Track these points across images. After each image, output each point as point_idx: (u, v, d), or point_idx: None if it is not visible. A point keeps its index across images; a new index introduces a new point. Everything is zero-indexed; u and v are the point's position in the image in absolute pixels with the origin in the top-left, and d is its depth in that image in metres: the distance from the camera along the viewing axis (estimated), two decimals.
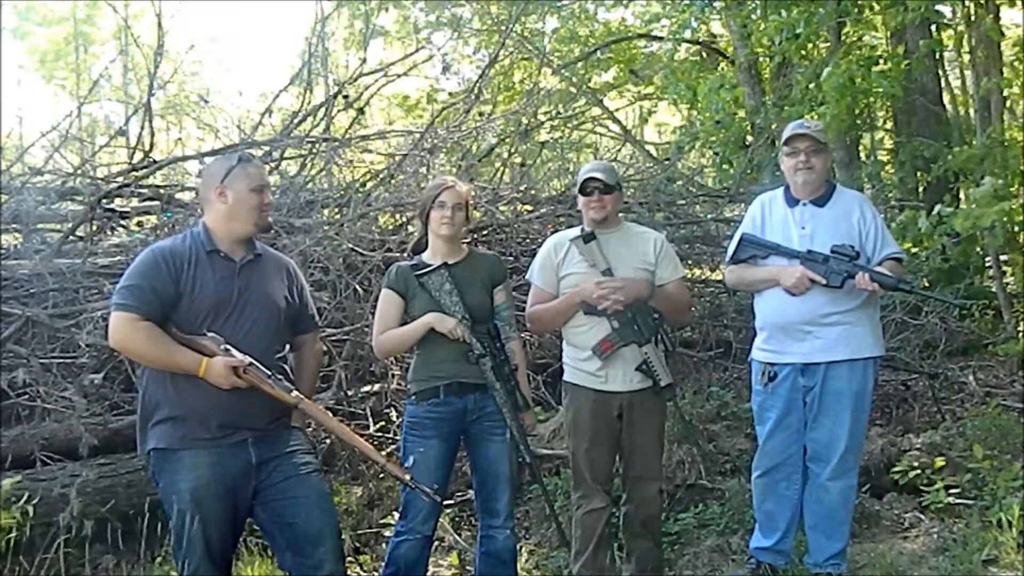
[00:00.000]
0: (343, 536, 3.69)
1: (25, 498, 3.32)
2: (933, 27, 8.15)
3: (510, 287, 3.22)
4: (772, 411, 3.27)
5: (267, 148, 5.80)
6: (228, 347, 2.48)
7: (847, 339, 3.14)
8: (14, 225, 4.91)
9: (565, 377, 3.22)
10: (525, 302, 3.39)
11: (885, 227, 3.29)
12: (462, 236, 3.20)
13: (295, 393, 2.56)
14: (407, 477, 2.67)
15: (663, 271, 3.21)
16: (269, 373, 2.52)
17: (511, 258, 5.13)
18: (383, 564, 3.07)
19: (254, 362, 2.50)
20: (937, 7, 7.27)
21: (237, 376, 2.46)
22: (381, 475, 4.18)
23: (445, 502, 3.99)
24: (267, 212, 2.68)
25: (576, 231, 3.20)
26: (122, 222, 5.29)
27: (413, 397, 3.04)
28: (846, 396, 3.15)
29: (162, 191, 5.32)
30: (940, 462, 4.08)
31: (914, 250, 6.95)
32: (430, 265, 3.01)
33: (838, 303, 3.12)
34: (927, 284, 6.73)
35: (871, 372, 3.22)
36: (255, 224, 2.64)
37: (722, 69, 10.30)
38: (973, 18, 7.10)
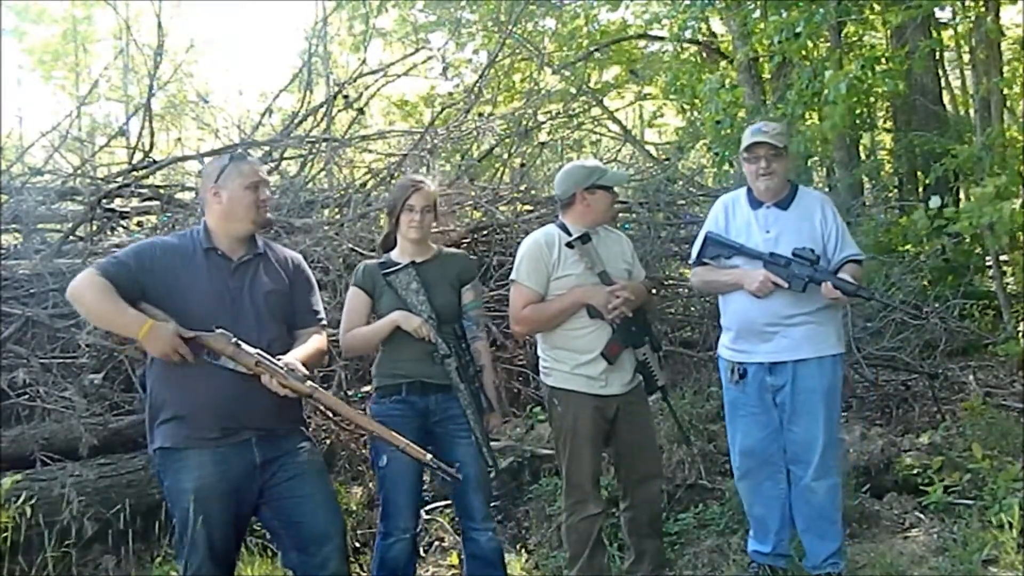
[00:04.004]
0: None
1: (24, 498, 3.31)
2: (933, 27, 8.16)
3: (479, 286, 3.19)
4: (744, 409, 3.30)
5: (267, 148, 5.81)
6: (239, 342, 2.48)
7: (812, 338, 3.17)
8: (14, 225, 4.90)
9: (555, 383, 3.15)
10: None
11: (846, 228, 3.32)
12: (432, 237, 3.18)
13: (309, 383, 2.54)
14: (428, 457, 2.63)
15: (637, 269, 3.29)
16: (281, 365, 2.51)
17: (511, 258, 5.12)
18: (372, 568, 3.03)
19: (263, 354, 2.49)
20: (937, 7, 7.27)
21: (181, 354, 2.43)
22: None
23: (443, 502, 4.00)
24: (264, 208, 2.65)
25: (557, 231, 3.18)
26: (122, 222, 5.28)
27: (376, 393, 3.03)
28: (818, 394, 3.16)
29: (162, 191, 5.32)
30: (940, 462, 4.08)
31: (915, 251, 6.95)
32: (398, 264, 2.99)
33: (801, 304, 3.15)
34: (927, 284, 6.73)
35: (839, 369, 3.26)
36: (253, 221, 2.64)
37: (722, 69, 10.30)
38: (974, 17, 7.09)
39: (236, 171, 2.63)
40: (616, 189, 3.34)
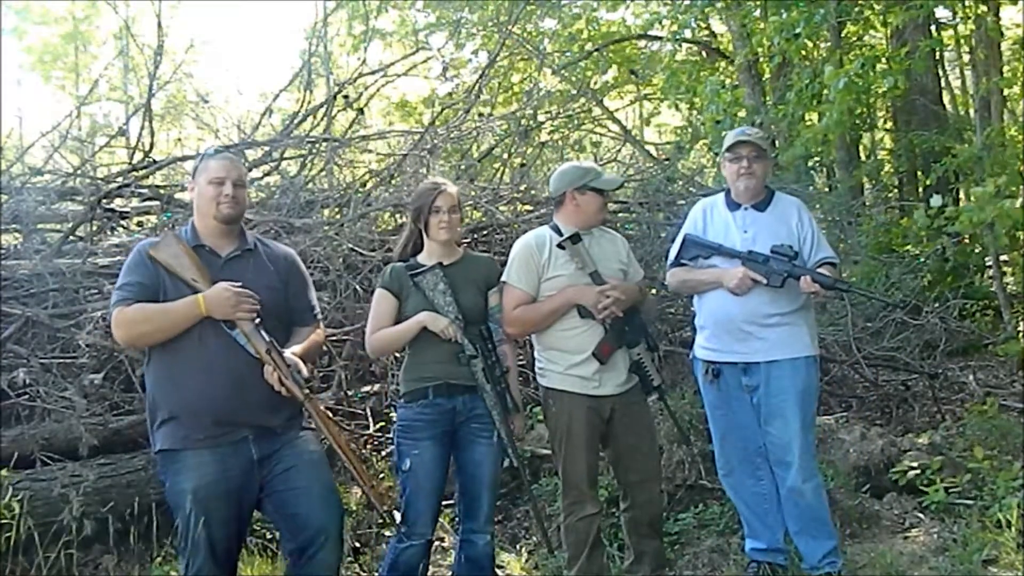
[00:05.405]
0: (343, 536, 3.69)
1: (15, 496, 3.30)
2: (933, 27, 8.16)
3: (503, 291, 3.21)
4: (722, 409, 3.33)
5: (267, 148, 5.81)
6: (259, 324, 2.53)
7: (786, 339, 3.19)
8: (14, 225, 4.90)
9: (549, 384, 3.17)
10: None
11: (821, 232, 3.36)
12: (457, 237, 3.19)
13: (306, 391, 2.57)
14: (383, 508, 2.75)
15: (634, 270, 3.30)
16: (289, 362, 2.53)
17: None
18: (382, 568, 3.02)
19: (275, 345, 2.53)
20: (937, 7, 7.27)
21: (240, 301, 2.50)
22: (381, 475, 4.19)
23: (445, 502, 3.99)
24: (226, 203, 2.65)
25: (549, 231, 3.18)
26: (122, 222, 5.28)
27: (403, 399, 3.02)
28: (791, 395, 3.17)
29: (162, 191, 5.32)
30: (940, 462, 4.08)
31: (915, 251, 6.95)
32: (425, 265, 3.00)
33: (779, 304, 3.18)
34: (927, 284, 6.73)
35: (813, 370, 3.26)
36: (213, 216, 2.66)
37: (722, 69, 10.31)
38: (974, 17, 7.10)
39: (204, 167, 2.69)
40: (613, 191, 3.33)
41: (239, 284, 2.56)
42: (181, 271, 2.55)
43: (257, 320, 2.54)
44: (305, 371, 2.60)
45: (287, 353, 2.58)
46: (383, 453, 4.36)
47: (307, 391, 2.57)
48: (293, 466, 2.61)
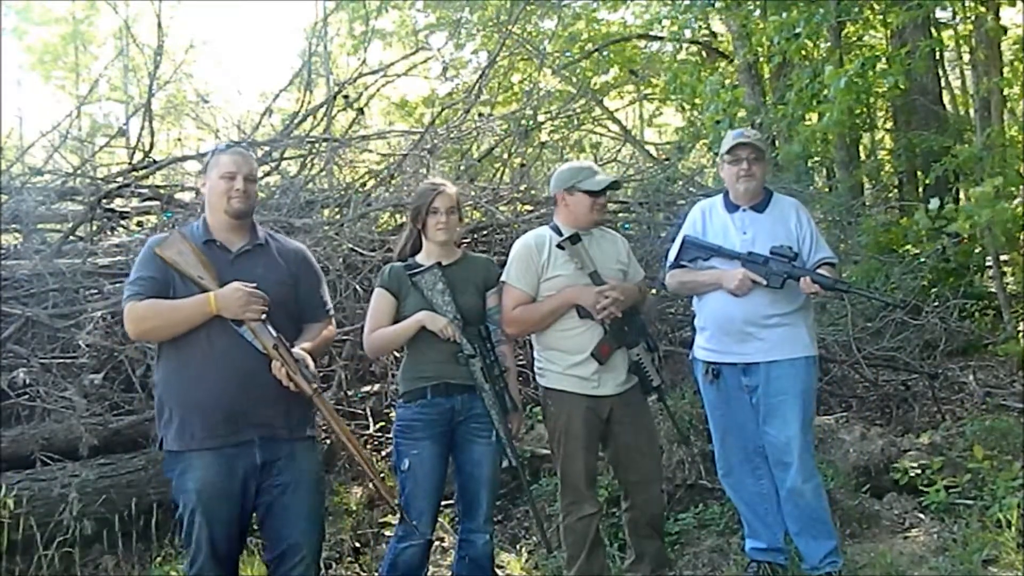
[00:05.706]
0: (343, 536, 3.70)
1: (15, 494, 3.31)
2: (933, 27, 8.16)
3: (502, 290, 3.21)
4: (722, 409, 3.34)
5: (267, 148, 5.81)
6: (266, 319, 2.54)
7: (786, 339, 3.20)
8: (14, 225, 4.91)
9: (548, 384, 3.17)
10: None
11: (819, 232, 3.38)
12: (456, 238, 3.19)
13: (315, 386, 2.57)
14: (395, 502, 2.76)
15: (634, 270, 3.31)
16: (297, 357, 2.53)
17: None
18: (382, 568, 3.02)
19: (283, 340, 2.53)
20: (937, 8, 7.28)
21: (251, 301, 2.51)
22: (381, 474, 4.19)
23: (445, 502, 4.00)
24: (237, 198, 2.65)
25: (548, 232, 3.19)
26: (122, 222, 5.29)
27: (402, 399, 3.02)
28: (791, 395, 3.18)
29: (162, 191, 5.32)
30: (940, 462, 4.08)
31: (915, 251, 6.95)
32: (423, 265, 3.00)
33: (779, 305, 3.19)
34: (927, 284, 6.73)
35: (812, 371, 3.27)
36: (224, 211, 2.66)
37: (722, 69, 10.31)
38: (973, 17, 7.10)
39: (215, 162, 2.70)
40: (607, 192, 3.33)
41: (253, 284, 2.56)
42: (187, 268, 2.55)
43: (263, 316, 2.53)
44: (313, 366, 2.60)
45: (295, 349, 2.58)
46: (383, 453, 4.36)
47: (316, 386, 2.57)
48: (288, 482, 2.61)
